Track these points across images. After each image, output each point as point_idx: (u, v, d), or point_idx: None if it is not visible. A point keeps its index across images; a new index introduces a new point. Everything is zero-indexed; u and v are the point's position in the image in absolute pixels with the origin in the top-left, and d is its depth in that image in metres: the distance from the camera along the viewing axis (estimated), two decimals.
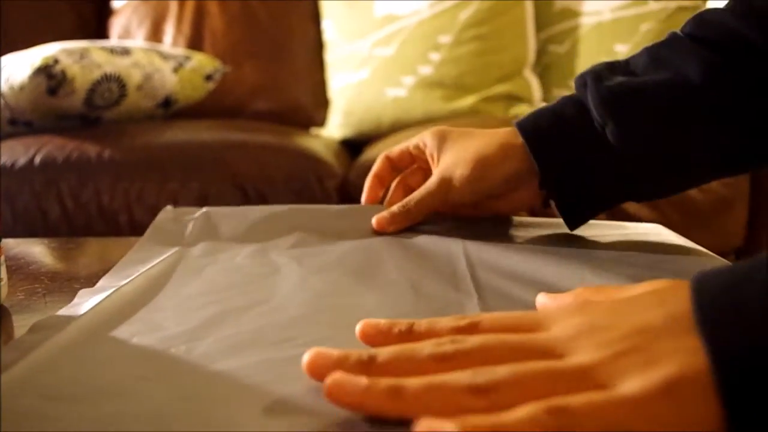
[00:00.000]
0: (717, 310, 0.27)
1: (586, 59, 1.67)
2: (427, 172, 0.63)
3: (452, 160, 0.59)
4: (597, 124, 0.54)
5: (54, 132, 1.30)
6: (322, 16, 1.80)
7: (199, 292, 0.46)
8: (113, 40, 1.78)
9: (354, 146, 1.61)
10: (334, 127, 1.75)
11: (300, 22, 1.81)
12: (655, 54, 0.54)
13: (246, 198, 1.21)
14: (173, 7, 1.81)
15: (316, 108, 1.80)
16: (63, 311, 0.42)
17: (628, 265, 0.50)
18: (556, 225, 0.61)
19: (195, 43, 1.77)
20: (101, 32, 1.83)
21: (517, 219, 0.63)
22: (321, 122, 1.80)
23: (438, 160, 0.61)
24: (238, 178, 1.22)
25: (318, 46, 1.82)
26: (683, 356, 0.27)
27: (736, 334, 0.26)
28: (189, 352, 0.36)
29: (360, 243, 0.57)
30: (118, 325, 0.40)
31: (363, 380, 0.29)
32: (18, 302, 0.46)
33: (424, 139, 0.63)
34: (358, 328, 0.36)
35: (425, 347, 0.31)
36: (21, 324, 0.41)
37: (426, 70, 1.65)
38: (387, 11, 1.68)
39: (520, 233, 0.59)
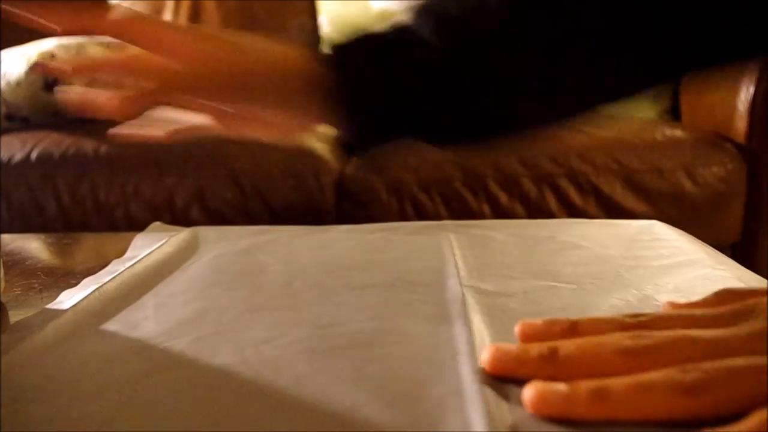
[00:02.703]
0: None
1: None
2: None
3: None
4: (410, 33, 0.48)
5: (50, 128, 1.30)
6: (319, 12, 1.80)
7: (181, 290, 0.46)
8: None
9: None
10: None
11: (296, 18, 1.81)
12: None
13: (242, 193, 1.21)
14: (169, 3, 1.80)
15: None
16: (45, 310, 0.41)
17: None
18: (546, 225, 0.61)
19: None
20: None
21: (509, 221, 0.63)
22: None
23: None
24: (235, 174, 1.22)
25: (314, 41, 1.81)
26: None
27: None
28: (167, 351, 0.36)
29: (349, 246, 0.57)
30: (97, 325, 0.40)
31: (562, 387, 0.28)
32: (14, 298, 0.46)
33: None
34: (516, 329, 0.35)
35: (608, 341, 0.30)
36: (18, 320, 0.41)
37: None
38: (383, 7, 1.68)
39: (508, 233, 0.59)
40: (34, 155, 1.22)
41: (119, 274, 0.48)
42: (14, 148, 1.24)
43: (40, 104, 1.30)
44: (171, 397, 0.31)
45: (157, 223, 0.65)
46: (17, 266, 0.54)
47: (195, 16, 1.78)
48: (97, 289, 0.45)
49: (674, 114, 1.61)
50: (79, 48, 1.30)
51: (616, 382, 0.27)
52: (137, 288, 0.46)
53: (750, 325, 0.31)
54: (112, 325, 0.40)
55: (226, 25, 1.77)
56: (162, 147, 1.26)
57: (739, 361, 0.28)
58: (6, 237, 0.64)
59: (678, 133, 1.32)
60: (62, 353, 0.36)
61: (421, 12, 0.48)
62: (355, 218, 1.21)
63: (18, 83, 1.25)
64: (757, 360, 0.28)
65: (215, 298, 0.44)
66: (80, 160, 1.22)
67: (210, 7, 1.79)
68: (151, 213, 1.19)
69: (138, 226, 0.62)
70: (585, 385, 0.28)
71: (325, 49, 0.48)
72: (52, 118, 1.35)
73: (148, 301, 0.44)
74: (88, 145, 1.23)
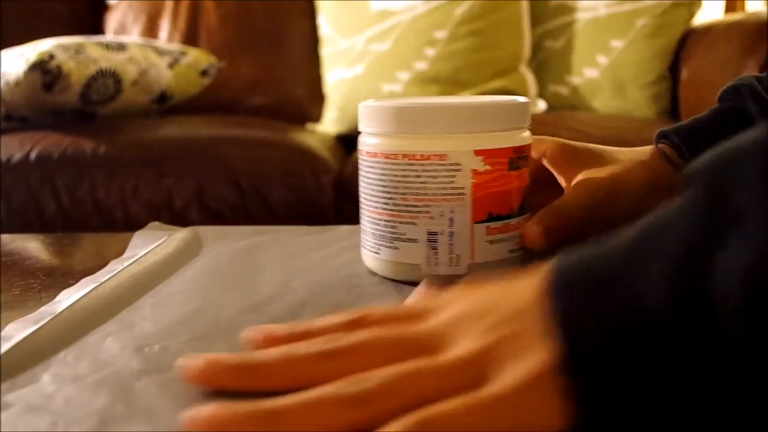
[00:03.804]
0: (563, 298, 0.26)
1: (582, 55, 1.67)
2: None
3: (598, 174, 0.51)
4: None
5: (50, 128, 1.30)
6: (318, 11, 1.80)
7: (179, 290, 0.46)
8: (109, 36, 1.78)
9: (349, 141, 1.61)
10: (330, 123, 1.75)
11: (295, 18, 1.81)
12: None
13: (241, 193, 1.21)
14: (169, 3, 1.80)
15: (312, 103, 1.80)
16: (42, 309, 0.41)
17: None
18: None
19: (190, 38, 1.76)
20: (97, 28, 1.83)
21: None
22: (316, 117, 1.80)
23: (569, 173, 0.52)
24: (234, 174, 1.22)
25: (313, 41, 1.82)
26: (551, 341, 0.26)
27: (579, 321, 0.25)
28: (163, 351, 0.36)
29: (348, 245, 0.57)
30: (94, 324, 0.40)
31: (240, 407, 0.27)
32: (13, 298, 0.46)
33: (542, 147, 0.54)
34: (249, 335, 0.35)
35: (303, 346, 0.31)
36: (15, 320, 0.41)
37: (421, 66, 1.65)
38: (382, 7, 1.68)
39: None
40: (33, 155, 1.22)
41: (117, 273, 0.48)
42: (13, 148, 1.24)
43: (39, 104, 1.30)
44: (167, 396, 0.31)
45: (156, 223, 0.65)
46: (16, 266, 0.54)
47: (194, 16, 1.78)
48: (95, 288, 0.44)
49: (673, 114, 1.61)
50: (78, 47, 1.30)
51: (284, 400, 0.27)
52: (135, 287, 0.46)
53: (447, 315, 0.31)
54: (109, 325, 0.40)
55: (225, 25, 1.77)
56: (161, 147, 1.26)
57: (404, 367, 0.28)
58: (5, 237, 0.64)
59: None
60: (58, 352, 0.36)
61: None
62: (354, 218, 1.21)
63: (17, 83, 1.25)
64: (420, 363, 0.28)
65: (212, 298, 0.44)
66: (79, 160, 1.22)
67: (209, 8, 1.79)
68: (150, 213, 1.19)
69: (137, 226, 0.62)
70: (253, 406, 0.27)
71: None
72: (51, 118, 1.35)
73: (146, 300, 0.44)
74: (88, 145, 1.23)
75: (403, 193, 0.45)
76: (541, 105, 1.69)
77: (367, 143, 0.48)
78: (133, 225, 1.17)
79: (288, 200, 1.22)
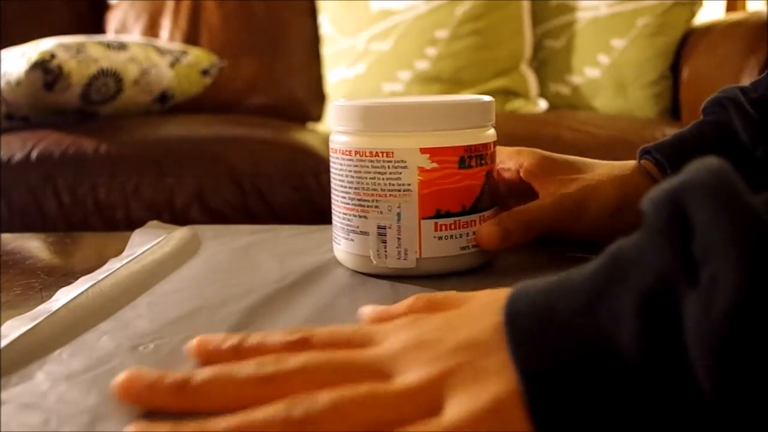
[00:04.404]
0: (524, 331, 0.26)
1: (583, 54, 1.67)
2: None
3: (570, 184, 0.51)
4: (744, 145, 0.50)
5: (51, 127, 1.30)
6: (319, 10, 1.80)
7: (176, 289, 0.46)
8: (110, 35, 1.78)
9: None
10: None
11: (296, 17, 1.81)
12: None
13: (242, 193, 1.21)
14: (170, 2, 1.80)
15: (313, 103, 1.80)
16: (39, 308, 0.41)
17: None
18: None
19: (191, 37, 1.76)
20: (98, 27, 1.83)
21: None
22: (318, 117, 1.80)
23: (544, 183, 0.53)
24: (235, 173, 1.22)
25: (315, 40, 1.81)
26: (510, 371, 0.25)
27: (540, 355, 0.25)
28: (157, 350, 0.36)
29: None
30: (90, 322, 0.40)
31: (165, 428, 0.26)
32: (15, 297, 0.46)
33: (521, 159, 0.54)
34: (192, 344, 0.33)
35: (244, 367, 0.29)
36: (12, 318, 0.41)
37: (422, 65, 1.65)
38: (383, 6, 1.68)
39: None
40: (34, 155, 1.22)
41: (114, 271, 0.48)
42: (14, 147, 1.24)
43: (40, 104, 1.30)
44: None
45: (155, 222, 0.65)
46: (17, 266, 0.54)
47: (195, 15, 1.78)
48: (91, 287, 0.44)
49: (675, 113, 1.61)
50: (80, 47, 1.30)
51: (221, 422, 0.26)
52: (132, 286, 0.46)
53: (399, 340, 0.29)
54: (105, 323, 0.40)
55: (226, 24, 1.77)
56: (162, 147, 1.26)
57: (353, 390, 0.26)
58: (6, 236, 0.64)
59: None
60: (54, 350, 0.36)
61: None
62: None
63: (18, 83, 1.25)
64: (370, 387, 0.27)
65: (208, 297, 0.44)
66: (80, 160, 1.22)
67: (210, 7, 1.79)
68: (151, 213, 1.19)
69: (138, 225, 0.62)
70: (189, 426, 0.26)
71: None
72: (52, 118, 1.35)
73: (143, 299, 0.44)
74: (89, 144, 1.23)
75: (356, 188, 0.48)
76: (542, 104, 1.69)
77: (332, 140, 0.50)
78: (134, 224, 1.16)
79: (289, 200, 1.22)
